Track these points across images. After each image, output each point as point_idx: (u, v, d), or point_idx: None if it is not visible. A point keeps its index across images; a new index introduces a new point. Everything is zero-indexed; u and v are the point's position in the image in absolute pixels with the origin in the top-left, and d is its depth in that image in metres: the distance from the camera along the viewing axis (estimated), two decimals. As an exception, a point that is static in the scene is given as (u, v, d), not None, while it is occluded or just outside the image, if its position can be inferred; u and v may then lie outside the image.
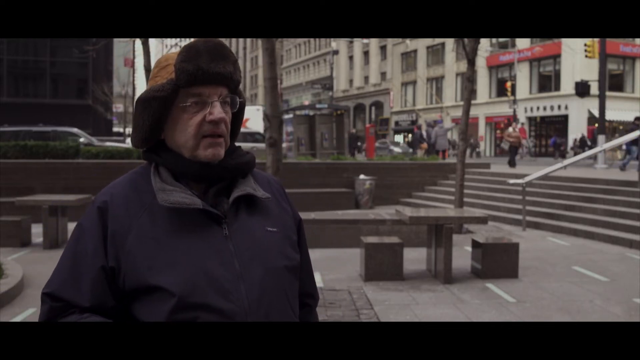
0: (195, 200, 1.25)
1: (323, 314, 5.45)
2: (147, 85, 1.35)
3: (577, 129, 37.96)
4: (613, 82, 38.23)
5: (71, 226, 9.62)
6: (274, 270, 1.30)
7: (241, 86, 1.37)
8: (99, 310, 1.23)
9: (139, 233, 1.24)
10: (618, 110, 37.26)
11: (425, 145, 22.96)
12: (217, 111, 1.28)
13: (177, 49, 1.33)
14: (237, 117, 1.40)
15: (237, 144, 1.41)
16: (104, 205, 1.28)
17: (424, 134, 22.59)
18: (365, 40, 57.40)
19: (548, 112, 40.86)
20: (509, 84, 40.35)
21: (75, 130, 19.69)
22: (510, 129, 20.25)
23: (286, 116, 22.50)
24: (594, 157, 17.95)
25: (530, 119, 42.93)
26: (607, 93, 23.62)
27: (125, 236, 1.25)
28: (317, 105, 28.61)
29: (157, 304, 1.20)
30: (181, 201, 1.24)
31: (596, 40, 27.78)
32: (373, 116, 61.50)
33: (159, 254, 1.23)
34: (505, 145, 20.50)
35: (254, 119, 28.23)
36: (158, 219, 1.26)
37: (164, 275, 1.21)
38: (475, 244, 7.28)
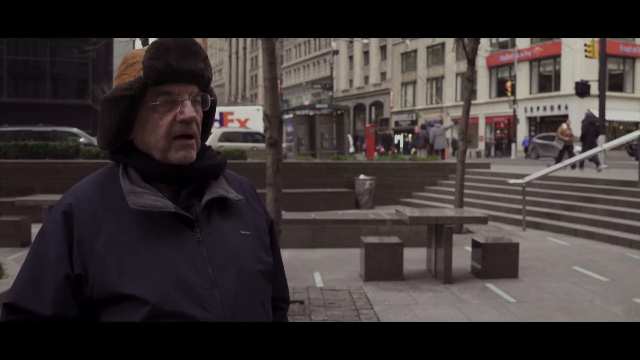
0: (166, 203, 1.21)
1: (323, 314, 5.45)
2: (114, 84, 1.30)
3: (577, 129, 37.96)
4: (613, 82, 38.26)
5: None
6: (248, 276, 1.26)
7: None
8: (65, 318, 1.18)
9: (107, 239, 1.19)
10: (618, 110, 37.27)
11: (427, 146, 22.83)
12: (188, 110, 1.23)
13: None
14: (208, 117, 1.35)
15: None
16: (69, 209, 1.23)
17: (430, 135, 22.16)
18: (365, 40, 57.40)
19: (548, 112, 40.88)
20: (509, 84, 40.40)
21: (75, 130, 19.71)
22: (565, 126, 17.97)
23: (286, 116, 22.52)
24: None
25: (530, 119, 42.96)
26: (607, 93, 23.65)
27: (92, 242, 1.19)
28: (317, 105, 28.63)
29: (128, 313, 1.16)
30: (152, 204, 1.19)
31: (596, 40, 27.80)
32: (373, 116, 61.52)
33: (130, 261, 1.18)
34: (559, 144, 18.35)
35: (254, 119, 28.25)
36: (127, 224, 1.21)
37: (135, 283, 1.16)
38: (475, 244, 7.28)
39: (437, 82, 52.32)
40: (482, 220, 7.35)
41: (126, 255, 1.18)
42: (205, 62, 1.27)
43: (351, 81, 66.97)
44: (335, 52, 58.27)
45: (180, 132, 1.24)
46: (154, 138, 1.25)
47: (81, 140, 18.12)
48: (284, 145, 19.89)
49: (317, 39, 71.71)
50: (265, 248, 1.36)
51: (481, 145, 46.16)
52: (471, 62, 10.25)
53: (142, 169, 1.26)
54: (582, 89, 25.65)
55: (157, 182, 1.26)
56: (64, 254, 1.20)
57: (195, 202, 1.27)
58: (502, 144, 44.59)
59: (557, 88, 40.16)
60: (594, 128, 16.69)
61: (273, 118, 6.42)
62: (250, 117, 28.68)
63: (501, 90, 43.43)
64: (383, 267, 6.83)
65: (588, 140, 16.56)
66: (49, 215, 1.27)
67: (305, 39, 75.30)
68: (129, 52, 1.34)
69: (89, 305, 1.20)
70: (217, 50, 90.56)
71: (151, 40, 1.26)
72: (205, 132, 1.35)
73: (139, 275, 1.17)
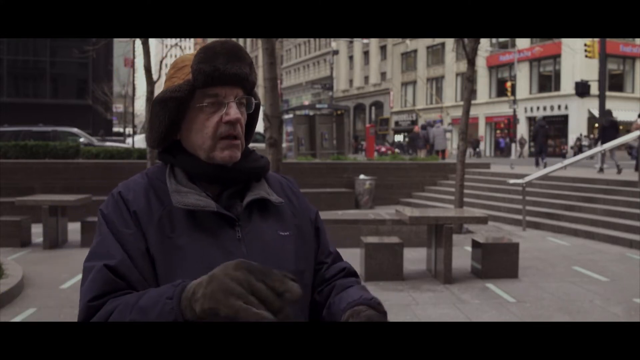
0: (209, 203, 1.26)
1: (323, 314, 5.44)
2: (164, 86, 1.36)
3: (577, 129, 38.00)
4: (613, 82, 38.28)
5: (71, 226, 9.61)
6: None
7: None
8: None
9: (158, 231, 1.25)
10: (618, 110, 37.22)
11: (427, 146, 22.81)
12: (234, 112, 1.29)
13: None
14: (252, 119, 1.41)
15: None
16: (125, 197, 1.28)
17: (430, 135, 22.13)
18: (365, 40, 57.41)
19: (548, 112, 40.88)
20: (509, 84, 40.39)
21: (75, 130, 19.71)
22: None
23: (286, 116, 22.51)
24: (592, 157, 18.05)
25: (530, 119, 42.95)
26: (607, 93, 23.67)
27: (147, 227, 1.25)
28: (317, 105, 28.63)
29: None
30: (196, 203, 1.25)
31: (596, 40, 27.82)
32: (373, 116, 61.53)
33: (174, 255, 1.24)
34: (635, 142, 15.72)
35: (254, 119, 28.23)
36: (175, 220, 1.27)
37: (177, 276, 1.20)
38: (475, 244, 7.28)
39: (437, 82, 52.32)
40: (482, 220, 7.35)
41: (172, 249, 1.24)
42: (250, 67, 1.33)
43: (351, 81, 66.97)
44: (335, 52, 58.25)
45: (225, 132, 1.29)
46: (200, 138, 1.30)
47: (81, 140, 18.13)
48: (284, 145, 19.88)
49: (317, 39, 71.72)
50: (306, 248, 1.41)
51: (480, 145, 46.11)
52: (471, 62, 10.25)
53: (188, 169, 1.32)
54: (582, 89, 25.68)
55: (201, 182, 1.32)
56: (137, 231, 1.25)
57: (237, 202, 1.32)
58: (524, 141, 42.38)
59: (557, 88, 40.17)
60: (543, 130, 18.92)
61: (273, 118, 6.44)
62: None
63: (501, 90, 43.43)
64: (383, 267, 6.83)
65: (538, 142, 18.96)
66: (106, 201, 1.30)
67: (305, 39, 75.31)
68: (179, 56, 1.40)
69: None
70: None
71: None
72: (249, 134, 1.41)
73: (181, 269, 1.22)
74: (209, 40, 1.33)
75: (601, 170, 15.26)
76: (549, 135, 18.93)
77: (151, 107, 1.34)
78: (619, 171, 14.05)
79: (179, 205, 1.24)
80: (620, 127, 37.00)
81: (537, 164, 18.56)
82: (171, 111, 1.30)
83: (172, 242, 1.24)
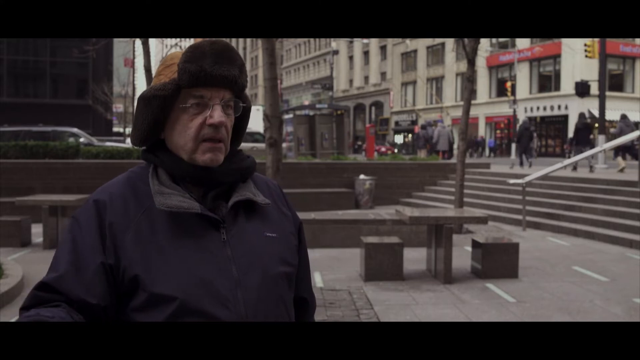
0: (193, 205, 1.23)
1: (323, 314, 5.44)
2: (152, 82, 1.33)
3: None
4: (613, 82, 38.26)
5: (71, 226, 9.63)
6: (272, 277, 1.28)
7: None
8: (99, 306, 1.19)
9: (136, 235, 1.22)
10: (618, 111, 37.25)
11: (428, 146, 22.76)
12: (218, 115, 1.25)
13: (178, 49, 1.32)
14: (242, 122, 1.38)
15: None
16: (102, 203, 1.25)
17: (435, 134, 22.05)
18: (365, 40, 57.42)
19: (548, 112, 40.89)
20: (509, 84, 40.38)
21: (75, 130, 19.70)
22: None
23: (286, 116, 22.51)
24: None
25: (530, 119, 42.93)
26: (607, 93, 23.61)
27: (123, 234, 1.22)
28: (317, 105, 28.61)
29: (153, 310, 1.18)
30: (179, 205, 1.22)
31: (596, 40, 27.78)
32: (373, 116, 61.53)
33: (156, 259, 1.20)
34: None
35: (254, 119, 28.29)
36: (156, 222, 1.23)
37: (159, 281, 1.18)
38: (475, 244, 7.28)
39: (437, 82, 52.31)
40: (482, 220, 7.35)
41: (153, 253, 1.21)
42: (240, 69, 1.29)
43: (351, 81, 66.97)
44: (335, 52, 58.28)
45: (208, 135, 1.26)
46: (182, 139, 1.27)
47: (81, 140, 18.12)
48: (284, 145, 19.88)
49: (317, 39, 71.73)
50: (291, 251, 1.37)
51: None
52: (471, 62, 10.25)
53: (171, 169, 1.29)
54: (582, 89, 25.64)
55: (185, 183, 1.29)
56: (98, 243, 1.22)
57: (222, 203, 1.29)
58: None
59: (557, 88, 40.17)
60: (528, 132, 19.04)
61: (273, 118, 6.43)
62: (251, 117, 28.68)
63: (501, 90, 43.43)
64: (383, 267, 6.83)
65: (522, 144, 18.93)
66: (82, 206, 1.28)
67: (305, 39, 75.33)
68: (169, 53, 1.40)
69: (120, 295, 1.22)
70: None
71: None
72: (238, 137, 1.38)
73: (163, 273, 1.19)
74: (209, 41, 1.30)
75: (591, 168, 15.85)
76: (533, 136, 19.80)
77: (136, 104, 1.31)
78: (591, 170, 15.48)
79: (162, 207, 1.21)
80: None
81: (521, 163, 18.60)
82: (155, 110, 1.26)
83: (153, 245, 1.21)
